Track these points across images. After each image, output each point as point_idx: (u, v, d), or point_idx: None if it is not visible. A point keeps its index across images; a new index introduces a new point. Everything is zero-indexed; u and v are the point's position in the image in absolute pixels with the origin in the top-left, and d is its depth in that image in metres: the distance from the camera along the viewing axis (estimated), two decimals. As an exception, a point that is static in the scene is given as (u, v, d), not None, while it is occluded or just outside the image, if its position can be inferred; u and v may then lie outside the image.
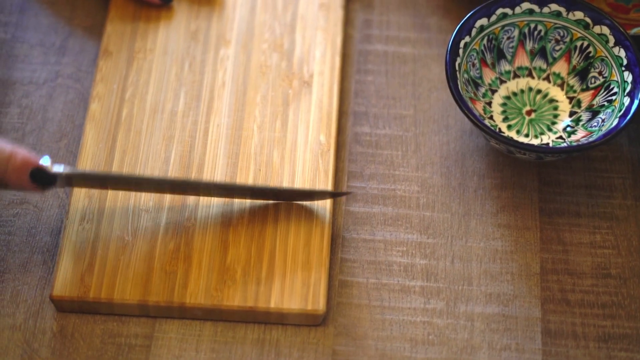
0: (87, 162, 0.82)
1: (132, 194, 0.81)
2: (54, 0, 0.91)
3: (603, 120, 0.83)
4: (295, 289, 0.78)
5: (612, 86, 0.84)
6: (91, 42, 0.89)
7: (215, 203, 0.81)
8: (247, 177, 0.82)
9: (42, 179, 0.74)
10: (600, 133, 0.81)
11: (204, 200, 0.81)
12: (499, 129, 0.85)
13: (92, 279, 0.78)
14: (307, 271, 0.79)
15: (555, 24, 0.86)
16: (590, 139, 0.81)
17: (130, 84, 0.85)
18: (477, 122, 0.80)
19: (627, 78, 0.82)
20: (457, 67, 0.83)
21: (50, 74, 0.88)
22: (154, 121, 0.84)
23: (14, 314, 0.78)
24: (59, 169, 0.75)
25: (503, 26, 0.86)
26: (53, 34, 0.89)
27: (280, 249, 0.79)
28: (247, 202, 0.81)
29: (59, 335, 0.77)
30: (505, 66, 0.87)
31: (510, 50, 0.87)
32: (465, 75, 0.84)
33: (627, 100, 0.81)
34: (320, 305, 0.77)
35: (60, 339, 0.77)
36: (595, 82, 0.85)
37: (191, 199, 0.81)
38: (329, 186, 0.82)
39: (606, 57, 0.84)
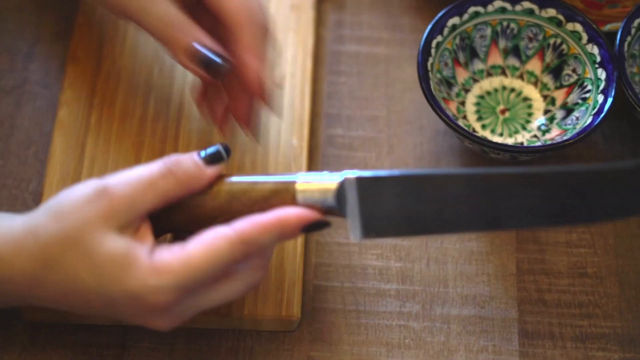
0: (56, 170, 0.81)
1: None
2: (21, 7, 0.90)
3: (577, 118, 0.82)
4: (269, 295, 0.77)
5: (585, 84, 0.83)
6: (59, 48, 0.88)
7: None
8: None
9: (319, 228, 0.69)
10: (575, 131, 0.81)
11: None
12: (473, 128, 0.84)
13: (63, 288, 0.77)
14: (280, 276, 0.78)
15: (528, 21, 0.85)
16: (565, 137, 0.80)
17: (99, 90, 0.84)
18: (449, 122, 0.79)
19: (601, 75, 0.82)
20: (429, 67, 0.82)
21: (17, 81, 0.87)
22: (124, 127, 0.83)
23: (-17, 326, 0.77)
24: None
25: (475, 25, 0.85)
26: (20, 40, 0.88)
27: (254, 254, 0.79)
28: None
29: (29, 347, 0.76)
30: (478, 65, 0.86)
31: (483, 49, 0.86)
32: (438, 75, 0.83)
33: (600, 98, 0.81)
34: (295, 311, 0.77)
35: (31, 350, 0.76)
36: (569, 79, 0.84)
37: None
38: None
39: (579, 54, 0.84)
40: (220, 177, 0.71)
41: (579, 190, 0.68)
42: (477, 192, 0.68)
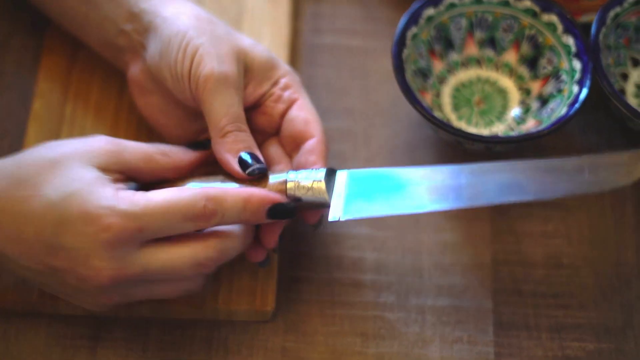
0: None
1: None
2: (-5, -2, 0.90)
3: (552, 109, 0.82)
4: (244, 286, 0.77)
5: (561, 74, 0.83)
6: (34, 39, 0.87)
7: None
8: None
9: (282, 214, 0.72)
10: (550, 122, 0.81)
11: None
12: (448, 119, 0.84)
13: (37, 279, 0.77)
14: (255, 267, 0.78)
15: (504, 13, 0.85)
16: (540, 128, 0.80)
17: (74, 82, 0.84)
18: (424, 113, 0.79)
19: (576, 66, 0.82)
20: (404, 58, 0.82)
21: (-8, 73, 0.87)
22: (99, 118, 0.83)
23: (-44, 318, 0.77)
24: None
25: (451, 16, 0.85)
26: (-5, 32, 0.88)
27: (228, 245, 0.78)
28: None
29: (1, 339, 0.76)
30: (454, 56, 0.86)
31: (459, 40, 0.86)
32: (413, 66, 0.83)
33: (576, 89, 0.81)
34: (269, 302, 0.77)
35: (3, 342, 0.76)
36: (544, 70, 0.84)
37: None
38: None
39: (555, 45, 0.84)
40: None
41: (556, 171, 0.71)
42: (460, 182, 0.72)
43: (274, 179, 0.73)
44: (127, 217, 0.67)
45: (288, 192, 0.72)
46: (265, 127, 0.78)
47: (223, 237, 0.70)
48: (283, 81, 0.77)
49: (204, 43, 0.74)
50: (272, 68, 0.77)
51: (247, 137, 0.74)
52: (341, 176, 0.73)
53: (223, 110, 0.73)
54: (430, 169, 0.72)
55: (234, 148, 0.73)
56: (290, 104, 0.77)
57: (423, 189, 0.72)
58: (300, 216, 0.75)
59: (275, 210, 0.71)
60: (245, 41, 0.77)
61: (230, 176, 0.74)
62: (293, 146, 0.77)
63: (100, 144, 0.71)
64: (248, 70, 0.76)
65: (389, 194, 0.72)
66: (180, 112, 0.78)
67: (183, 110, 0.78)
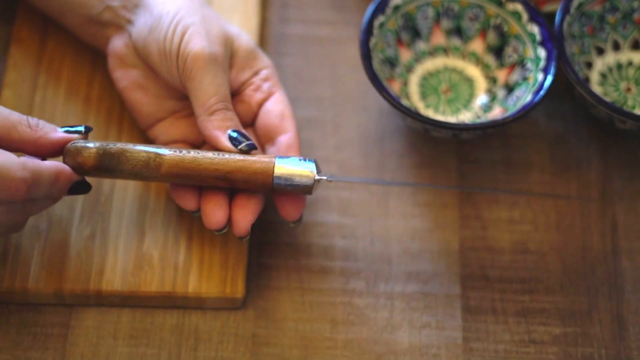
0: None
1: None
2: (-37, -12, 0.89)
3: (518, 97, 0.83)
4: (214, 273, 0.78)
5: (526, 62, 0.84)
6: (3, 29, 0.87)
7: (131, 187, 0.80)
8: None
9: (79, 191, 0.74)
10: (515, 109, 0.81)
11: (120, 184, 0.80)
12: (416, 108, 0.85)
13: (6, 268, 0.77)
14: (225, 255, 0.78)
15: (470, 2, 0.86)
16: (505, 115, 0.81)
17: (43, 70, 0.84)
18: (391, 100, 0.80)
19: (541, 54, 0.83)
20: (372, 47, 0.83)
21: (-40, 62, 0.86)
22: (68, 107, 0.83)
23: None
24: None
25: (418, 5, 0.86)
26: (-37, 22, 0.88)
27: (198, 233, 0.79)
28: (165, 186, 0.80)
29: (-28, 326, 0.77)
30: (421, 46, 0.87)
31: (426, 29, 0.87)
32: (381, 55, 0.84)
33: (541, 76, 0.82)
34: (239, 289, 0.77)
35: (-26, 330, 0.76)
36: (510, 59, 0.85)
37: (106, 183, 0.80)
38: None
39: (520, 34, 0.85)
40: None
41: None
42: None
43: (262, 157, 0.74)
44: None
45: (276, 171, 0.73)
46: (242, 115, 0.79)
47: (39, 163, 0.70)
48: (264, 72, 0.79)
49: (195, 22, 0.76)
50: (254, 58, 0.79)
51: (234, 116, 0.75)
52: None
53: (212, 89, 0.74)
54: None
55: (223, 125, 0.74)
56: (269, 95, 0.78)
57: None
58: (278, 210, 0.77)
59: (75, 188, 0.73)
60: (232, 28, 0.79)
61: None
62: (267, 138, 0.78)
63: None
64: (233, 56, 0.78)
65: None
66: (157, 89, 0.79)
67: (161, 88, 0.79)
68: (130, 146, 0.73)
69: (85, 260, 0.77)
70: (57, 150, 0.73)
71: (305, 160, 0.75)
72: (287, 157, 0.75)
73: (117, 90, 0.80)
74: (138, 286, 0.77)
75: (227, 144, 0.74)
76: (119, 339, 0.76)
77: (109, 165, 0.73)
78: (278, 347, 0.77)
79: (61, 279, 0.77)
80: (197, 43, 0.75)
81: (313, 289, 0.79)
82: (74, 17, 0.81)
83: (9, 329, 0.76)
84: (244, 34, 0.80)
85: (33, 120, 0.73)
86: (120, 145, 0.73)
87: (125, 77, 0.79)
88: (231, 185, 0.74)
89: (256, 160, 0.74)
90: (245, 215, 0.75)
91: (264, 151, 0.78)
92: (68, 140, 0.73)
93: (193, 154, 0.74)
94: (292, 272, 0.80)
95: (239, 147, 0.74)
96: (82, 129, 0.74)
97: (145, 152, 0.73)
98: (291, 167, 0.74)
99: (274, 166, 0.74)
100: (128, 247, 0.78)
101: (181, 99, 0.79)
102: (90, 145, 0.73)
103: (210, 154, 0.74)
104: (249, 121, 0.79)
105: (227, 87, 0.76)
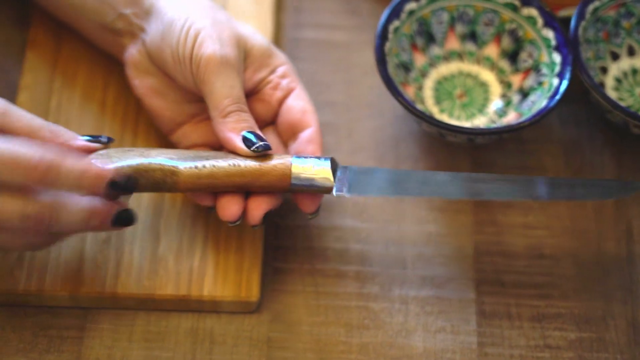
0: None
1: None
2: (-21, -8, 0.90)
3: (533, 102, 0.83)
4: (229, 277, 0.78)
5: (541, 68, 0.84)
6: (19, 33, 0.87)
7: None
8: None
9: (123, 187, 0.71)
10: (530, 114, 0.81)
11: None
12: (431, 113, 0.85)
13: (22, 271, 0.77)
14: (240, 258, 0.78)
15: (485, 7, 0.86)
16: (520, 120, 0.81)
17: (59, 74, 0.85)
18: (406, 105, 0.80)
19: (556, 59, 0.83)
20: (387, 52, 0.83)
21: (-24, 66, 0.87)
22: (84, 111, 0.83)
23: (-57, 309, 0.77)
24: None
25: (433, 10, 0.86)
26: (-21, 26, 0.88)
27: (213, 236, 0.79)
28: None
29: (-12, 329, 0.77)
30: (435, 50, 0.87)
31: (441, 34, 0.87)
32: (396, 60, 0.84)
33: (556, 81, 0.82)
34: (254, 293, 0.77)
35: (-10, 332, 0.77)
36: (525, 64, 0.85)
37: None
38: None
39: (535, 39, 0.85)
40: None
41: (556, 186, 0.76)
42: (464, 187, 0.76)
43: (278, 160, 0.74)
44: None
45: (293, 174, 0.73)
46: (263, 114, 0.79)
47: (59, 198, 0.69)
48: (281, 69, 0.79)
49: (206, 26, 0.76)
50: (270, 56, 0.79)
51: (249, 117, 0.75)
52: (343, 168, 0.76)
53: (225, 91, 0.74)
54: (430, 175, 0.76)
55: (237, 127, 0.74)
56: (288, 92, 0.78)
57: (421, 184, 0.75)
58: (296, 205, 0.77)
59: (117, 184, 0.70)
60: (245, 28, 0.79)
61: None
62: (289, 134, 0.78)
63: None
64: (247, 56, 0.77)
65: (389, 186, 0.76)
66: (176, 94, 0.79)
67: (179, 93, 0.79)
68: (145, 162, 0.73)
69: (101, 263, 0.78)
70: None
71: (323, 159, 0.74)
72: (305, 157, 0.74)
73: (137, 98, 0.80)
74: (153, 289, 0.77)
75: (241, 145, 0.74)
76: (134, 342, 0.76)
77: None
78: (293, 351, 0.77)
79: (77, 282, 0.77)
80: (209, 47, 0.75)
81: (328, 293, 0.79)
82: (89, 25, 0.81)
83: (25, 331, 0.76)
84: (258, 33, 0.80)
85: (54, 127, 0.73)
86: (136, 160, 0.73)
87: (144, 85, 0.79)
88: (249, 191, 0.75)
89: (272, 168, 0.74)
90: (259, 204, 0.75)
91: (286, 148, 0.78)
92: (89, 149, 0.73)
93: (209, 166, 0.74)
94: (307, 276, 0.80)
95: (252, 149, 0.74)
96: (105, 140, 0.74)
97: (161, 170, 0.73)
98: (309, 167, 0.74)
99: (290, 173, 0.73)
100: (143, 251, 0.78)
101: (200, 102, 0.79)
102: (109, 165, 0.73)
103: (226, 164, 0.74)
104: (270, 120, 0.79)
105: (240, 88, 0.76)
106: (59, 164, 0.68)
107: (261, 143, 0.74)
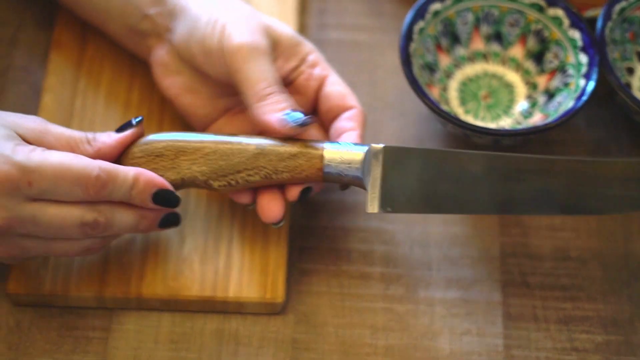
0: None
1: None
2: (4, -7, 0.90)
3: (559, 103, 0.83)
4: (254, 278, 0.77)
5: (567, 68, 0.84)
6: (43, 34, 0.88)
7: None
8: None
9: (166, 201, 0.73)
10: (557, 115, 0.81)
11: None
12: (455, 114, 0.85)
13: (48, 272, 0.77)
14: (265, 259, 0.78)
15: (510, 7, 0.86)
16: (547, 121, 0.81)
17: (83, 75, 0.85)
18: (432, 106, 0.80)
19: (583, 60, 0.82)
20: (411, 52, 0.82)
21: (1, 67, 0.87)
22: (108, 112, 0.83)
23: (-32, 310, 0.77)
24: None
25: (458, 11, 0.85)
26: (4, 27, 0.88)
27: (238, 238, 0.79)
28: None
29: (15, 329, 0.76)
30: (460, 51, 0.87)
31: (466, 35, 0.86)
32: (420, 61, 0.84)
33: (582, 82, 0.82)
34: (279, 294, 0.77)
35: (16, 333, 0.76)
36: (551, 65, 0.85)
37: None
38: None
39: (561, 39, 0.84)
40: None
41: (590, 180, 0.73)
42: (495, 175, 0.73)
43: (310, 146, 0.73)
44: (19, 168, 0.68)
45: (325, 162, 0.73)
46: (301, 106, 0.78)
47: (114, 205, 0.72)
48: (310, 58, 0.79)
49: (232, 18, 0.76)
50: (298, 44, 0.79)
51: (287, 97, 0.75)
52: (377, 155, 0.74)
53: (258, 75, 0.74)
54: (468, 156, 0.74)
55: (276, 108, 0.74)
56: (322, 80, 0.78)
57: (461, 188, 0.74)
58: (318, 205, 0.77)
59: (160, 196, 0.72)
60: (270, 19, 0.79)
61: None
62: (332, 120, 0.78)
63: (29, 122, 0.72)
64: (276, 45, 0.78)
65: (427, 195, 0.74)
66: (207, 90, 0.79)
67: (211, 88, 0.79)
68: (178, 178, 0.74)
69: (126, 264, 0.77)
70: (119, 152, 0.74)
71: (356, 145, 0.74)
72: (339, 143, 0.74)
73: (168, 99, 0.80)
74: (178, 290, 0.77)
75: (280, 126, 0.73)
76: (159, 343, 0.76)
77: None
78: (318, 352, 0.77)
79: (102, 283, 0.77)
80: (238, 36, 0.75)
81: (353, 295, 0.79)
82: (115, 26, 0.81)
83: (51, 332, 0.76)
84: (282, 23, 0.80)
85: (90, 135, 0.73)
86: (171, 177, 0.74)
87: (174, 84, 0.79)
88: None
89: (304, 170, 0.73)
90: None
91: (329, 136, 0.78)
92: (125, 140, 0.74)
93: (242, 182, 0.74)
94: (332, 277, 0.80)
95: (299, 123, 0.73)
96: (133, 122, 0.74)
97: (195, 184, 0.74)
98: (341, 153, 0.73)
99: (323, 173, 0.73)
100: (168, 252, 0.78)
101: (233, 96, 0.79)
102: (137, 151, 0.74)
103: (258, 177, 0.74)
104: (309, 112, 0.79)
105: (274, 72, 0.75)
106: (114, 179, 0.70)
107: (306, 117, 0.74)
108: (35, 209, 0.70)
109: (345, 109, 0.77)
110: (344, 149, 0.74)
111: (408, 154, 0.73)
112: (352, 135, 0.76)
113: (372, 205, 0.74)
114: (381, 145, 0.74)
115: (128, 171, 0.71)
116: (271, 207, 0.74)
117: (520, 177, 0.73)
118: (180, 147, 0.74)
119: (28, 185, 0.69)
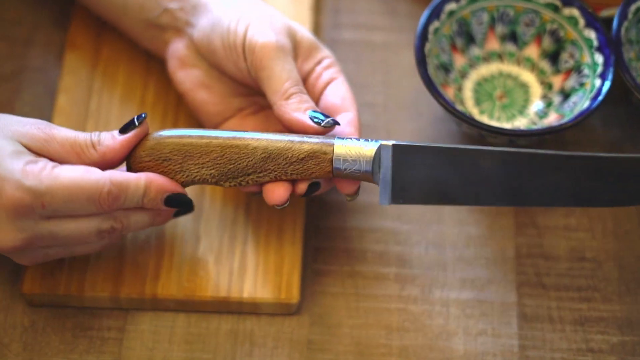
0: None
1: None
2: (19, -7, 0.90)
3: (575, 103, 0.82)
4: (269, 279, 0.77)
5: (583, 68, 0.83)
6: (58, 34, 0.88)
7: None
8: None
9: (178, 203, 0.74)
10: (572, 115, 0.81)
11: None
12: (470, 114, 0.84)
13: (63, 272, 0.77)
14: (280, 260, 0.78)
15: (525, 7, 0.85)
16: (562, 121, 0.80)
17: (98, 75, 0.85)
18: (447, 106, 0.79)
19: (598, 60, 0.82)
20: (426, 52, 0.82)
21: (16, 67, 0.87)
22: (123, 112, 0.83)
23: (-17, 310, 0.77)
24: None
25: (473, 11, 0.85)
26: (19, 27, 0.88)
27: (253, 238, 0.79)
28: (219, 191, 0.80)
29: (30, 329, 0.77)
30: (475, 51, 0.86)
31: (481, 35, 0.86)
32: (435, 61, 0.84)
33: (598, 82, 0.81)
34: (294, 295, 0.77)
35: (31, 333, 0.76)
36: (566, 65, 0.85)
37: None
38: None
39: (577, 39, 0.84)
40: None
41: (602, 174, 0.73)
42: (508, 170, 0.73)
43: (320, 141, 0.73)
44: (31, 193, 0.69)
45: (335, 157, 0.73)
46: None
47: (128, 210, 0.73)
48: (326, 61, 0.79)
49: (257, 17, 0.77)
50: (316, 48, 0.79)
51: (309, 99, 0.75)
52: (386, 152, 0.73)
53: (285, 75, 0.75)
54: (476, 151, 0.73)
55: (301, 107, 0.74)
56: (330, 81, 0.79)
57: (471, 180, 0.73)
58: (335, 187, 0.76)
59: (171, 199, 0.73)
60: (291, 22, 0.79)
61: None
62: None
63: (32, 129, 0.72)
64: (296, 47, 0.78)
65: (437, 187, 0.73)
66: (222, 87, 0.79)
67: (226, 86, 0.79)
68: (189, 180, 0.74)
69: (141, 264, 0.77)
70: (125, 154, 0.74)
71: (366, 140, 0.74)
72: (350, 138, 0.74)
73: (181, 93, 0.80)
74: (193, 291, 0.77)
75: (310, 123, 0.74)
76: (174, 343, 0.76)
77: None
78: (333, 353, 0.77)
79: (117, 283, 0.77)
80: (263, 34, 0.75)
81: (368, 295, 0.79)
82: (132, 21, 0.82)
83: (66, 332, 0.76)
84: (301, 26, 0.80)
85: (95, 137, 0.73)
86: (181, 180, 0.74)
87: (189, 78, 0.79)
88: None
89: (313, 172, 0.73)
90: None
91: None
92: (129, 142, 0.73)
93: (252, 182, 0.74)
94: (347, 278, 0.79)
95: (322, 124, 0.74)
96: (136, 122, 0.74)
97: (204, 183, 0.74)
98: (350, 151, 0.73)
99: (332, 174, 0.73)
100: (183, 252, 0.78)
101: (247, 96, 0.79)
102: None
103: (268, 179, 0.74)
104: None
105: (297, 73, 0.76)
106: (126, 190, 0.71)
107: (329, 118, 0.74)
108: (52, 226, 0.71)
109: (343, 110, 0.77)
110: (353, 146, 0.73)
111: (419, 151, 0.73)
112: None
113: (384, 198, 0.73)
114: (390, 143, 0.73)
115: (139, 180, 0.72)
116: (276, 190, 0.74)
117: (533, 171, 0.73)
118: (187, 151, 0.73)
119: (42, 208, 0.69)
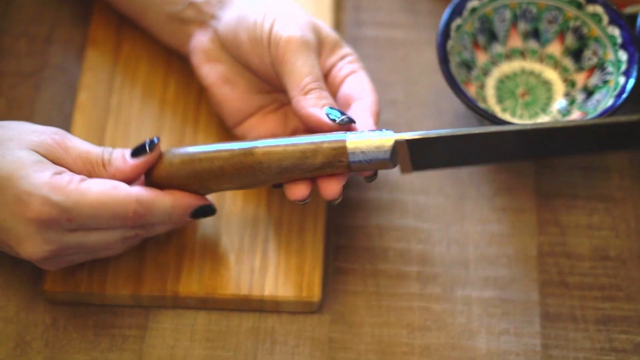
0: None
1: None
2: (39, -9, 0.90)
3: (598, 101, 0.82)
4: (290, 277, 0.77)
5: (606, 66, 0.83)
6: (78, 31, 0.88)
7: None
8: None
9: (204, 214, 0.75)
10: (595, 113, 0.80)
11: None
12: (493, 111, 0.84)
13: (84, 271, 0.77)
14: (301, 258, 0.78)
15: (548, 4, 0.85)
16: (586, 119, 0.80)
17: (119, 73, 0.84)
18: (470, 104, 0.79)
19: (622, 57, 0.82)
20: (449, 50, 0.82)
21: (37, 65, 0.87)
22: (144, 109, 0.83)
23: (5, 307, 0.77)
24: None
25: (495, 8, 0.85)
26: (39, 24, 0.88)
27: (274, 236, 0.79)
28: (240, 190, 0.80)
29: (51, 327, 0.77)
30: (497, 48, 0.86)
31: (503, 32, 0.86)
32: (457, 58, 0.83)
33: (622, 80, 0.81)
34: (315, 293, 0.77)
35: (53, 331, 0.76)
36: (589, 62, 0.84)
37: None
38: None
39: (600, 36, 0.83)
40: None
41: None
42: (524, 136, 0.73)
43: (332, 146, 0.73)
44: (57, 208, 0.70)
45: (349, 151, 0.72)
46: None
47: (154, 197, 0.73)
48: (349, 58, 0.79)
49: (283, 12, 0.77)
50: (339, 46, 0.79)
51: (328, 95, 0.75)
52: (401, 141, 0.73)
53: (306, 70, 0.75)
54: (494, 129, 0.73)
55: (319, 103, 0.74)
56: (351, 74, 0.79)
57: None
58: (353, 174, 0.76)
59: (197, 212, 0.74)
60: (316, 20, 0.79)
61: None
62: (346, 109, 0.78)
63: (47, 139, 0.72)
64: (320, 44, 0.78)
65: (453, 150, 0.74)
66: (245, 84, 0.79)
67: (249, 82, 0.79)
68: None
69: (163, 263, 0.77)
70: (135, 177, 0.74)
71: (381, 131, 0.73)
72: (361, 132, 0.73)
73: (204, 87, 0.79)
74: (214, 289, 0.76)
75: (326, 119, 0.74)
76: (195, 341, 0.76)
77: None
78: (354, 351, 0.76)
79: (138, 281, 0.77)
80: (289, 28, 0.76)
81: (389, 294, 0.78)
82: (156, 15, 0.81)
83: (87, 330, 0.76)
84: (326, 24, 0.80)
85: (107, 155, 0.74)
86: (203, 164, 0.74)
87: (213, 72, 0.79)
88: None
89: (332, 172, 0.73)
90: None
91: None
92: (138, 167, 0.73)
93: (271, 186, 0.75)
94: (368, 276, 0.79)
95: (338, 121, 0.73)
96: (147, 148, 0.74)
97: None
98: (362, 152, 0.73)
99: (350, 169, 0.73)
100: (204, 250, 0.78)
101: (269, 93, 0.79)
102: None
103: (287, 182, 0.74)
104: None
105: (319, 69, 0.76)
106: (151, 210, 0.72)
107: (345, 116, 0.74)
108: (78, 237, 0.71)
109: (360, 98, 0.77)
110: (366, 144, 0.72)
111: (433, 142, 0.73)
112: (364, 123, 0.76)
113: (404, 168, 0.74)
114: (405, 139, 0.73)
115: (165, 200, 0.73)
116: (297, 187, 0.74)
117: (550, 135, 0.73)
118: (203, 177, 0.73)
119: (68, 222, 0.70)
